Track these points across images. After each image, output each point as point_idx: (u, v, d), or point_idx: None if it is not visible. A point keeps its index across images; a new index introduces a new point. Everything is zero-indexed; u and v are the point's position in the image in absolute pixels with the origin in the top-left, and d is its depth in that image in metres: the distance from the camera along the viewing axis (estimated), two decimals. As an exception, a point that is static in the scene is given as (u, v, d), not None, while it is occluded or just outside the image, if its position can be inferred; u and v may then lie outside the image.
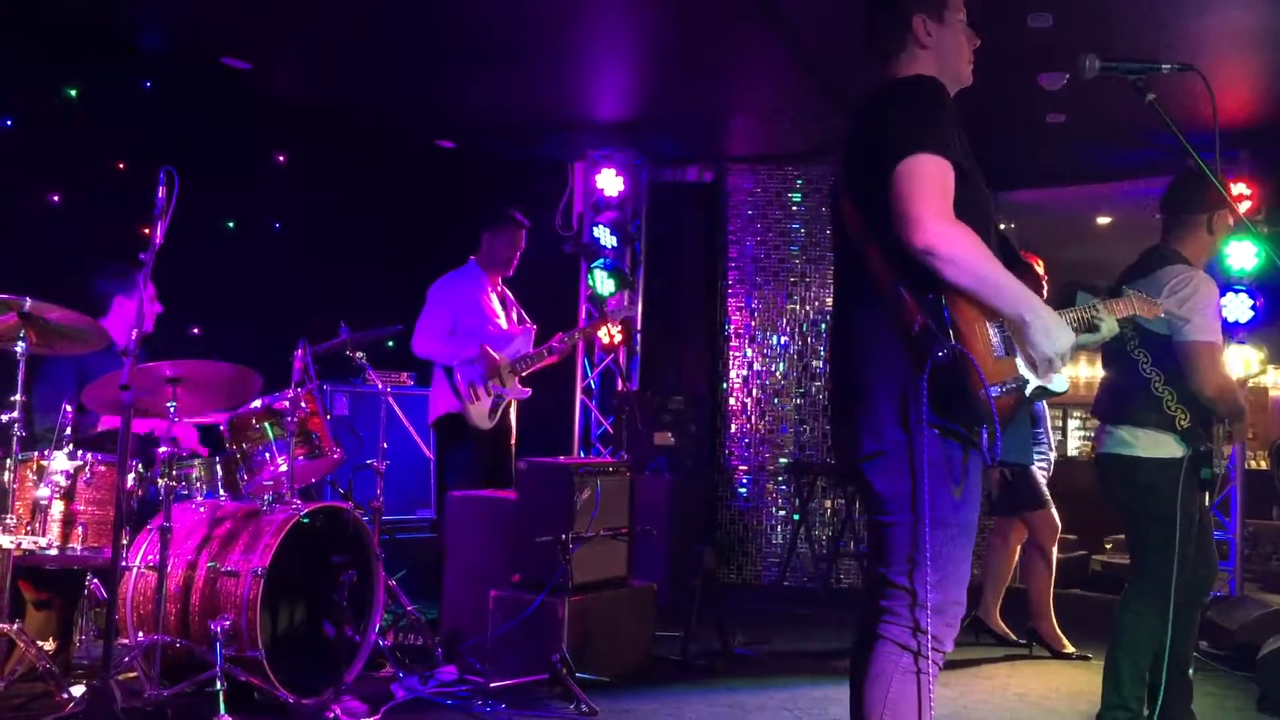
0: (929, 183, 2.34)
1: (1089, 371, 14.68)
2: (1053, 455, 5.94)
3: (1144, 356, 3.79)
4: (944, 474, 2.41)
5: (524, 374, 5.74)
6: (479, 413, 5.57)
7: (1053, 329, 2.37)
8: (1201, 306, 3.70)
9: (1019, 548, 5.94)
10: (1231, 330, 6.71)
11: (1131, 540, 3.97)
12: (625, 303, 8.09)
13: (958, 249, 2.31)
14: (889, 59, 2.67)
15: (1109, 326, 2.83)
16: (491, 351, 5.59)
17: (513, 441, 5.86)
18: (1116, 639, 3.81)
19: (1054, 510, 5.70)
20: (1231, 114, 6.66)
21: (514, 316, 5.97)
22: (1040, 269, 5.58)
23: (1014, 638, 5.83)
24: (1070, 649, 5.63)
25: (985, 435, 2.34)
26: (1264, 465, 11.32)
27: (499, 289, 5.93)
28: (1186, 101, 4.68)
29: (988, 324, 2.40)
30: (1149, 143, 7.19)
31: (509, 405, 5.74)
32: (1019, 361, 2.43)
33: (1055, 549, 5.75)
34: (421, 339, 5.70)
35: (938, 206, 2.32)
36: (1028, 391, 2.44)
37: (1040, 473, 5.74)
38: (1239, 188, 6.89)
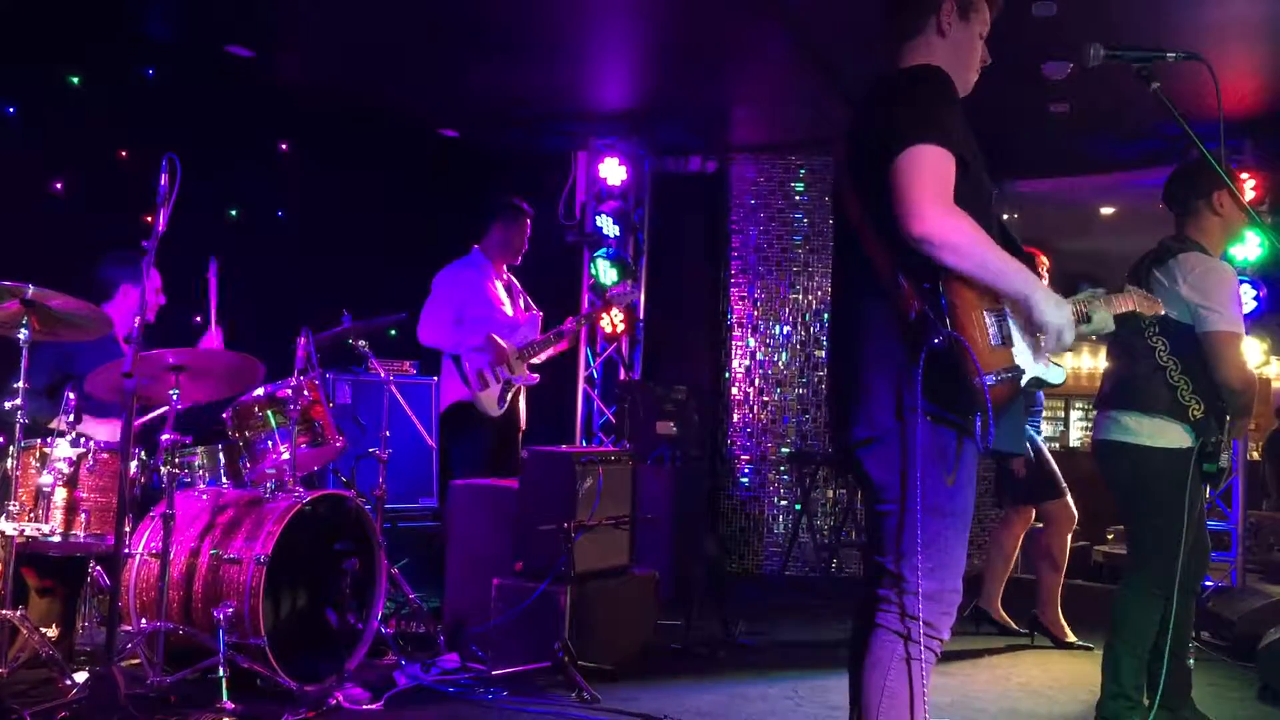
0: (928, 172, 2.34)
1: (1091, 362, 14.69)
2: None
3: (1161, 344, 3.76)
4: (937, 461, 2.41)
5: (531, 360, 5.74)
6: (488, 399, 5.58)
7: (1055, 301, 2.40)
8: (1224, 296, 3.69)
9: (1022, 537, 5.94)
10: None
11: (1131, 529, 3.96)
12: (629, 289, 8.08)
13: (955, 236, 2.32)
14: (903, 43, 2.66)
15: (1101, 319, 2.83)
16: (498, 339, 5.59)
17: (521, 429, 5.87)
18: (1116, 628, 3.81)
19: (1071, 500, 5.71)
20: (1236, 104, 6.64)
21: (521, 304, 5.97)
22: (1046, 264, 5.60)
23: (1015, 627, 5.84)
24: (1072, 638, 5.64)
25: (979, 423, 2.34)
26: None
27: (504, 277, 5.94)
28: (1191, 91, 4.67)
29: (985, 313, 2.41)
30: (1153, 133, 7.17)
31: (518, 392, 5.75)
32: (1015, 351, 2.43)
33: (1069, 539, 5.76)
34: (427, 328, 5.71)
35: (936, 196, 2.33)
36: (1024, 381, 2.45)
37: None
38: (1243, 178, 6.87)
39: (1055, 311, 2.39)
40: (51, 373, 4.55)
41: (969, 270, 2.34)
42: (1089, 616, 5.76)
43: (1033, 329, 2.43)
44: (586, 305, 8.12)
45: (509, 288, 5.93)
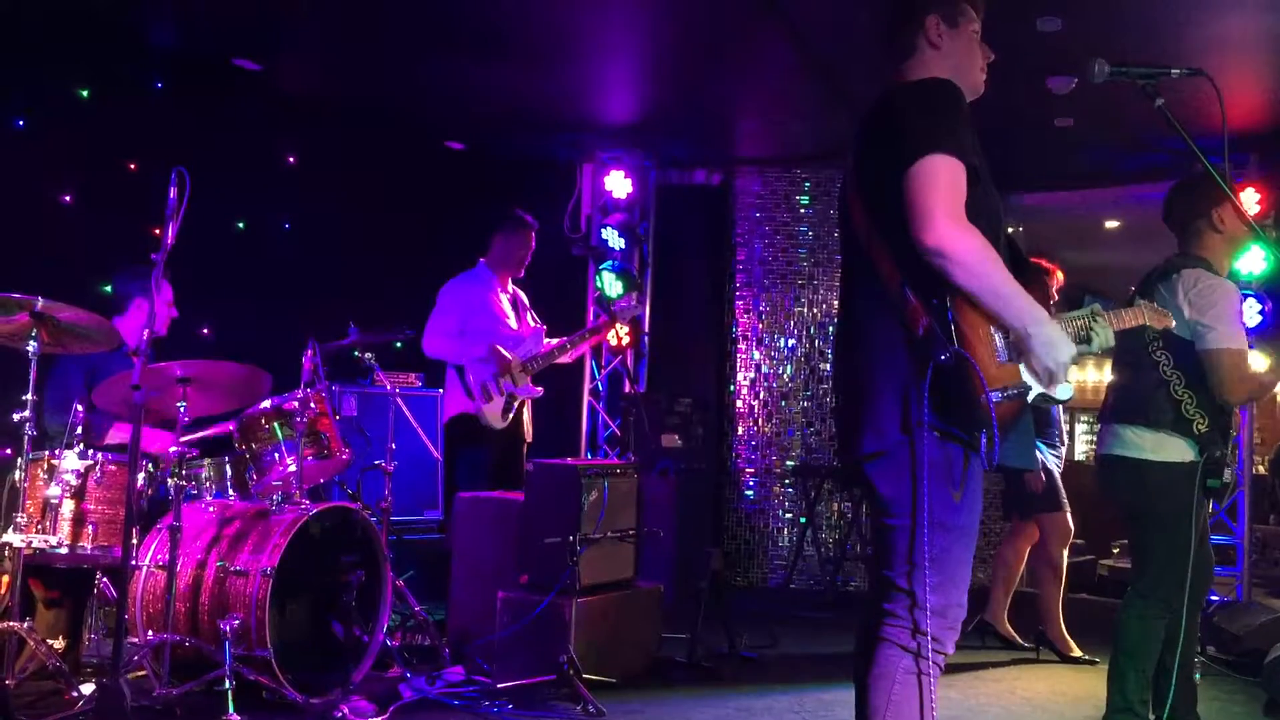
0: (943, 183, 2.35)
1: (1096, 376, 14.67)
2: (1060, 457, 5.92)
3: (1165, 359, 3.76)
4: (944, 477, 2.41)
5: (535, 372, 5.75)
6: (492, 412, 5.59)
7: (1055, 342, 2.38)
8: (1223, 313, 3.68)
9: (1028, 552, 5.93)
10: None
11: (1136, 543, 3.96)
12: (634, 303, 8.09)
13: (967, 251, 2.32)
14: (902, 61, 2.68)
15: (1102, 339, 2.82)
16: (501, 350, 5.61)
17: (527, 443, 5.87)
18: (1120, 643, 3.81)
19: (1069, 515, 5.70)
20: (1241, 118, 6.65)
21: (529, 319, 5.98)
22: (1059, 278, 5.61)
23: (1020, 641, 5.83)
24: (1077, 652, 5.63)
25: (985, 440, 2.34)
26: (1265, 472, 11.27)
27: (510, 291, 5.95)
28: (1196, 106, 4.69)
29: (992, 329, 2.41)
30: (1158, 147, 7.18)
31: (522, 405, 5.76)
32: (1022, 367, 2.43)
33: (1066, 553, 5.76)
34: (431, 339, 5.72)
35: (950, 207, 2.33)
36: (1030, 398, 2.45)
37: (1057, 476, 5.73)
38: (1248, 193, 6.86)
39: (1049, 355, 2.37)
40: (84, 386, 4.55)
41: (975, 289, 2.34)
42: (1094, 630, 5.75)
43: (1028, 359, 2.42)
44: (592, 317, 8.13)
45: (514, 301, 5.95)
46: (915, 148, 2.37)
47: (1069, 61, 5.78)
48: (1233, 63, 5.90)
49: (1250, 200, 6.80)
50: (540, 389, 5.83)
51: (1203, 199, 3.84)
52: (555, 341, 5.88)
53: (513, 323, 5.84)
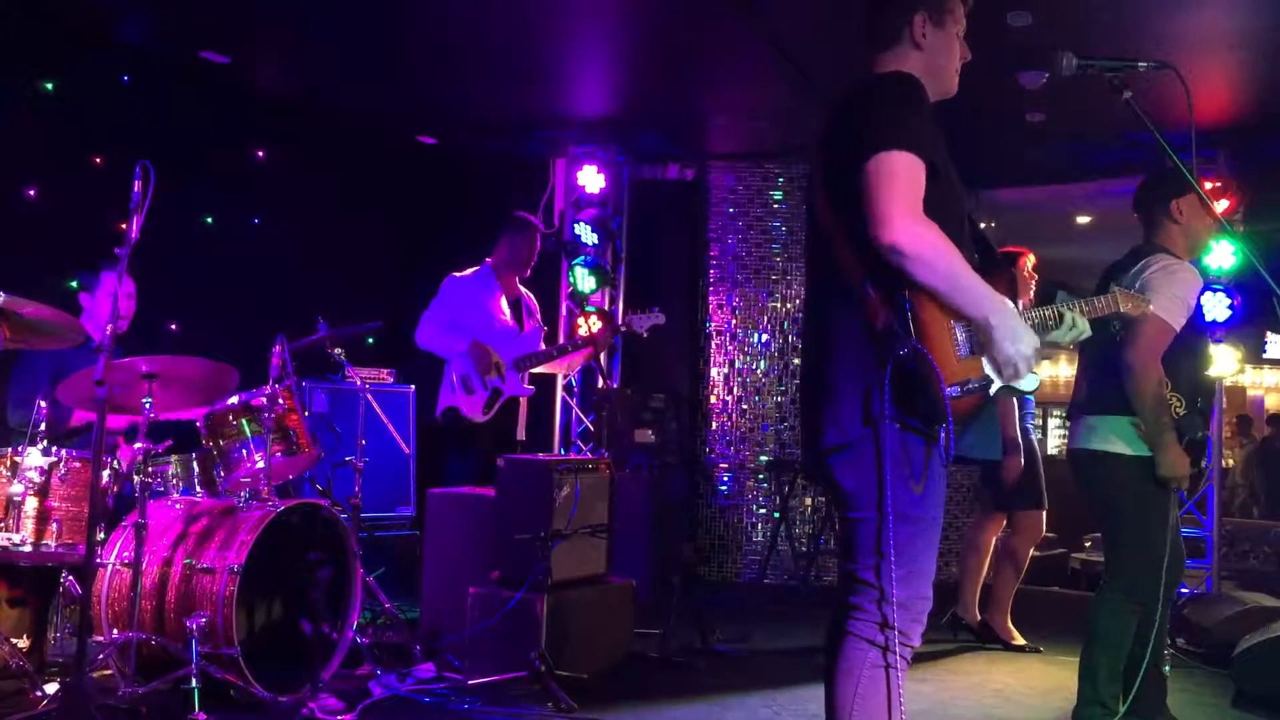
0: (898, 180, 2.34)
1: (1068, 370, 14.74)
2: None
3: None
4: (904, 469, 2.41)
5: (526, 370, 5.71)
6: (471, 406, 5.57)
7: (1018, 332, 2.38)
8: (1175, 290, 3.67)
9: (994, 543, 5.97)
10: (1209, 329, 6.72)
11: (1109, 538, 3.96)
12: (606, 300, 8.08)
13: (924, 247, 2.32)
14: (880, 53, 2.67)
15: (1074, 326, 2.80)
16: (482, 344, 5.57)
17: (519, 440, 5.83)
18: (1093, 636, 3.82)
19: (1044, 515, 5.74)
20: (1209, 114, 6.69)
21: (532, 322, 5.93)
22: (1030, 261, 5.64)
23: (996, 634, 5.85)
24: (1020, 640, 5.70)
25: (943, 434, 2.34)
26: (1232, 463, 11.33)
27: (514, 293, 5.90)
28: (1165, 101, 4.71)
29: (954, 323, 2.41)
30: (1128, 142, 7.22)
31: (513, 403, 5.71)
32: (985, 362, 2.43)
33: (1031, 551, 5.80)
34: (423, 330, 5.69)
35: (906, 204, 2.33)
36: (992, 391, 2.44)
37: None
38: (1216, 189, 6.89)
39: (1013, 346, 2.37)
40: (50, 381, 4.50)
41: (934, 284, 2.34)
42: (1066, 624, 5.78)
43: (990, 351, 2.42)
44: (565, 313, 8.11)
45: (516, 304, 5.89)
46: (872, 144, 2.37)
47: (1039, 56, 5.79)
48: (1202, 59, 5.93)
49: (1219, 196, 6.83)
50: (532, 388, 5.80)
51: (1164, 190, 3.88)
52: (550, 346, 5.83)
53: (508, 321, 5.81)
